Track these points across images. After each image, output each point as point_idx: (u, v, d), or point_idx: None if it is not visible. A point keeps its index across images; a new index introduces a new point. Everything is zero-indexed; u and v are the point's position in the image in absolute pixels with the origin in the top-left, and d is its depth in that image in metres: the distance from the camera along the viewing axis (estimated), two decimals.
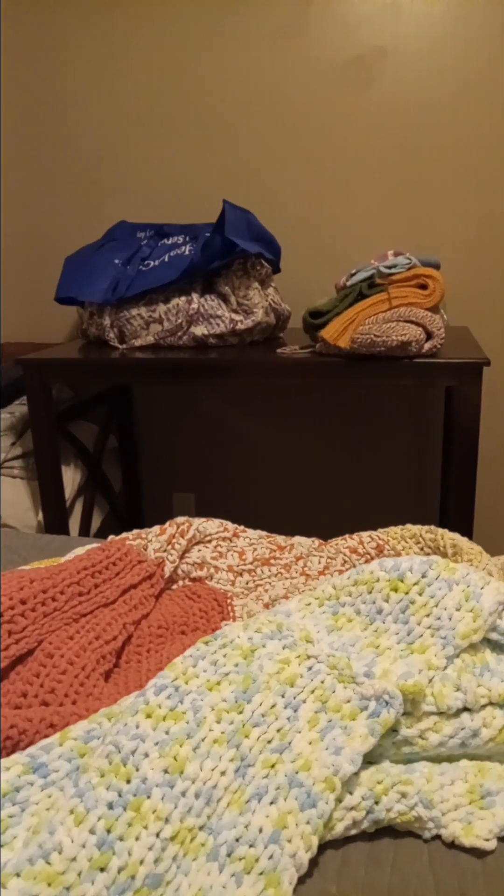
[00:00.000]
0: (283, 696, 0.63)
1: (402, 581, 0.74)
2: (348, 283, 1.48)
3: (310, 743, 0.60)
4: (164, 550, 0.97)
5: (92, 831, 0.50)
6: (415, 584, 0.74)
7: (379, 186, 1.86)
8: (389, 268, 1.43)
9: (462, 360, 1.41)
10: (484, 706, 0.65)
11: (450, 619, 0.70)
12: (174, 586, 0.98)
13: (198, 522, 1.04)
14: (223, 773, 0.57)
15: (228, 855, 0.53)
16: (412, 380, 1.46)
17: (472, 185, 1.81)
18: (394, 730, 0.63)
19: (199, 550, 1.01)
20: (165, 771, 0.54)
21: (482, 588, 0.72)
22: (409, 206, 1.86)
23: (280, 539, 1.08)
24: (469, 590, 0.72)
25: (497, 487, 2.02)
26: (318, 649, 0.69)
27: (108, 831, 0.50)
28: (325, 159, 1.87)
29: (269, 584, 0.98)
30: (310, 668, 0.66)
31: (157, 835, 0.51)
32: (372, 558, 1.03)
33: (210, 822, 0.54)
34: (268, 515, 2.19)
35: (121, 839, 0.50)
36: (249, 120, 1.88)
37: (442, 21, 1.73)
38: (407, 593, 0.73)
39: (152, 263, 1.70)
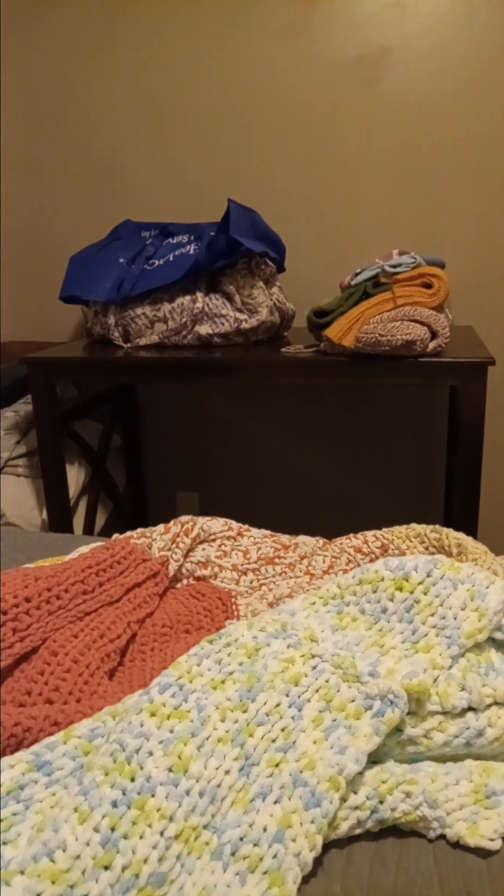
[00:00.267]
0: (287, 696, 0.63)
1: (406, 580, 0.74)
2: (353, 283, 1.48)
3: (314, 742, 0.60)
4: (169, 549, 0.97)
5: (96, 829, 0.50)
6: (420, 583, 0.74)
7: (384, 185, 1.86)
8: (394, 267, 1.43)
9: (467, 360, 1.41)
10: (489, 706, 0.65)
11: (455, 618, 0.70)
12: (178, 585, 0.98)
13: (202, 521, 1.04)
14: (227, 772, 0.57)
15: (233, 854, 0.53)
16: (417, 379, 1.46)
17: (477, 184, 1.81)
18: (398, 729, 0.63)
19: (204, 549, 1.01)
20: (170, 769, 0.54)
21: (487, 587, 0.72)
22: (415, 204, 1.85)
23: (284, 538, 1.08)
24: (474, 589, 0.72)
25: (502, 487, 2.01)
26: (323, 648, 0.68)
27: (113, 829, 0.50)
28: (330, 158, 1.87)
29: (274, 583, 0.98)
30: (314, 668, 0.66)
31: (162, 833, 0.51)
32: (376, 557, 1.03)
33: (214, 821, 0.54)
34: (272, 514, 2.19)
35: (125, 837, 0.50)
36: (254, 119, 1.88)
37: (447, 18, 1.72)
38: (412, 592, 0.73)
39: (157, 262, 1.70)
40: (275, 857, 0.53)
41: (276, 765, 0.58)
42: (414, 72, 1.77)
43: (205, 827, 0.54)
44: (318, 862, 0.55)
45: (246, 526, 1.09)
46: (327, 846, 0.57)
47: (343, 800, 0.58)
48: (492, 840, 0.57)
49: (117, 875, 0.49)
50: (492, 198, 1.81)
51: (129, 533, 1.00)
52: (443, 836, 0.58)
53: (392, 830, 0.59)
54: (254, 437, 2.14)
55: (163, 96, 1.92)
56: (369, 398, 2.03)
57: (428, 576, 0.74)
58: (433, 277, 1.43)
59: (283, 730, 0.61)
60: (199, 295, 1.64)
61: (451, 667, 0.67)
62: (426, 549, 1.04)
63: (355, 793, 0.58)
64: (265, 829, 0.54)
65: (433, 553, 1.02)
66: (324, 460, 2.11)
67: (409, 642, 0.70)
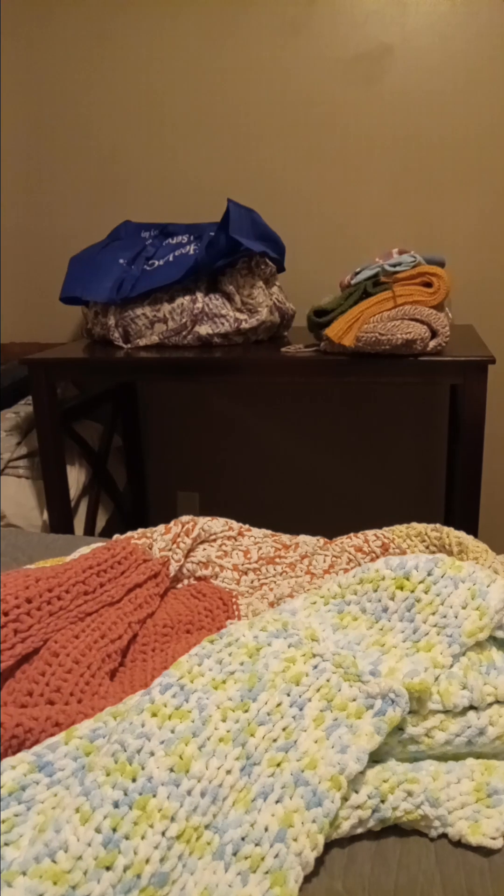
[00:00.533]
0: (288, 695, 0.63)
1: (407, 579, 0.74)
2: (353, 282, 1.48)
3: (315, 741, 0.60)
4: (169, 549, 0.97)
5: (98, 830, 0.50)
6: (420, 582, 0.74)
7: (384, 184, 1.86)
8: (394, 266, 1.43)
9: (467, 358, 1.41)
10: (490, 704, 0.65)
11: (456, 617, 0.70)
12: (179, 585, 0.98)
13: (203, 521, 1.04)
14: (229, 772, 0.57)
15: (234, 853, 0.53)
16: (417, 378, 1.46)
17: (477, 183, 1.80)
18: (400, 728, 0.63)
19: (204, 549, 1.01)
20: (171, 769, 0.54)
21: (488, 586, 0.72)
22: (415, 203, 1.85)
23: (285, 538, 1.08)
24: (475, 588, 0.72)
25: (502, 486, 2.01)
26: (324, 648, 0.68)
27: (114, 830, 0.50)
28: (331, 157, 1.87)
29: (275, 582, 0.98)
30: (315, 667, 0.66)
31: (163, 833, 0.51)
32: (377, 557, 1.03)
33: (216, 821, 0.54)
34: (272, 514, 2.19)
35: (126, 838, 0.50)
36: (255, 117, 1.88)
37: (448, 16, 1.72)
38: (413, 591, 0.73)
39: (157, 263, 1.70)
40: (276, 856, 0.53)
41: (278, 764, 0.58)
42: (414, 70, 1.77)
43: (206, 827, 0.54)
44: (319, 861, 0.55)
45: (246, 526, 1.09)
46: (329, 845, 0.57)
47: (344, 799, 0.58)
48: (493, 839, 0.57)
49: (119, 875, 0.49)
50: (492, 196, 1.81)
51: (129, 533, 1.00)
52: (444, 835, 0.58)
53: (394, 829, 0.59)
54: (254, 436, 2.14)
55: (163, 95, 1.92)
56: (370, 397, 2.03)
57: (429, 574, 0.74)
58: (433, 276, 1.42)
59: (284, 729, 0.61)
60: (199, 295, 1.64)
61: (452, 665, 0.67)
62: (427, 547, 1.04)
63: (357, 792, 0.58)
64: (267, 829, 0.54)
65: (434, 552, 1.02)
66: (324, 459, 2.11)
67: (411, 641, 0.70)
